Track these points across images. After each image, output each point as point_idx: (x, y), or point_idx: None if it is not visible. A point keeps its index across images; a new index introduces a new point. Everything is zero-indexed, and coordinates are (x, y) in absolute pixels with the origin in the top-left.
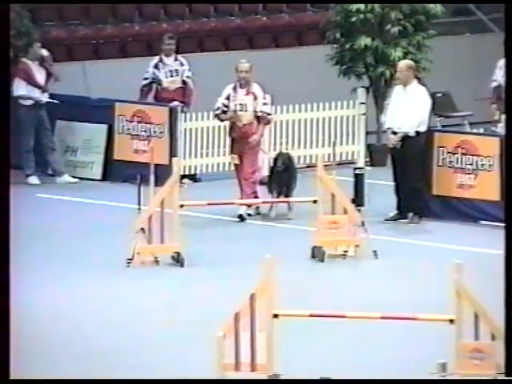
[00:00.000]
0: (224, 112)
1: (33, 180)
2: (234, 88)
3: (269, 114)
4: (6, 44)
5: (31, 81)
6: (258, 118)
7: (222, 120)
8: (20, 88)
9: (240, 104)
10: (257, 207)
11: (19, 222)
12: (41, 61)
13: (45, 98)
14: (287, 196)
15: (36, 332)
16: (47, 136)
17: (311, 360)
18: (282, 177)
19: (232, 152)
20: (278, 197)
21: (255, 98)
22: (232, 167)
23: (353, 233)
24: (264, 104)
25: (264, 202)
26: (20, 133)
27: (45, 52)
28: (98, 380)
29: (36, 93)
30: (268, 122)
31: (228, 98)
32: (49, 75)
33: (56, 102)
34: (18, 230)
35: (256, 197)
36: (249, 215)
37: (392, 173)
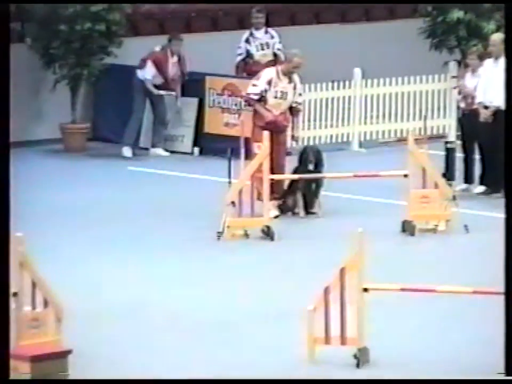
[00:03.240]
0: (262, 97)
1: (127, 152)
2: (277, 74)
3: (300, 104)
4: (6, 44)
5: (160, 71)
6: (290, 109)
7: (251, 105)
8: (147, 71)
9: (282, 91)
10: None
11: (109, 194)
12: (179, 59)
13: (159, 92)
14: (315, 197)
15: (125, 302)
16: (159, 109)
17: (401, 334)
18: (313, 171)
19: (257, 140)
20: (304, 200)
21: (295, 88)
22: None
23: (444, 207)
24: (300, 94)
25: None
26: (131, 102)
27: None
28: (99, 380)
29: (159, 80)
30: (298, 113)
31: (269, 83)
32: (183, 75)
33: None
34: (109, 204)
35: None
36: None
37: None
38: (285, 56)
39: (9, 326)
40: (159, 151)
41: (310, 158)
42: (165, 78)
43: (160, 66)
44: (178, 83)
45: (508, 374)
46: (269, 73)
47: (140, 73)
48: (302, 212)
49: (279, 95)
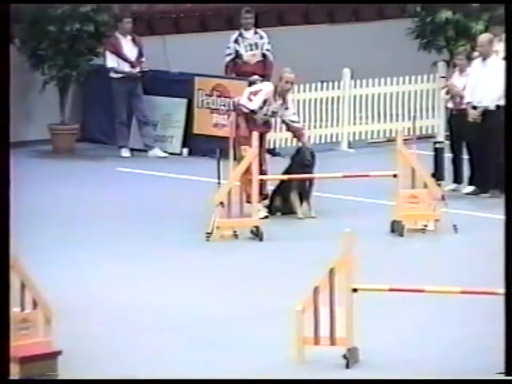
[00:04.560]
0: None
1: (125, 152)
2: (274, 94)
3: (297, 122)
4: (6, 44)
5: (119, 55)
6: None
7: (238, 114)
8: (108, 60)
9: (272, 111)
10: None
11: (97, 195)
12: (134, 38)
13: (132, 71)
14: (308, 197)
15: (115, 302)
16: (138, 110)
17: (390, 334)
18: (308, 171)
19: (242, 143)
20: (300, 198)
21: (286, 109)
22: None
23: (433, 207)
24: (294, 114)
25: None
26: (112, 105)
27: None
28: (99, 380)
29: (126, 67)
30: (300, 134)
31: (264, 102)
32: (141, 54)
33: (140, 75)
34: (98, 205)
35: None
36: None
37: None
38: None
39: (9, 325)
40: (157, 152)
41: (308, 157)
42: (126, 61)
43: (115, 50)
44: (141, 63)
45: (507, 374)
46: (268, 92)
47: (112, 74)
48: (299, 212)
49: (269, 113)
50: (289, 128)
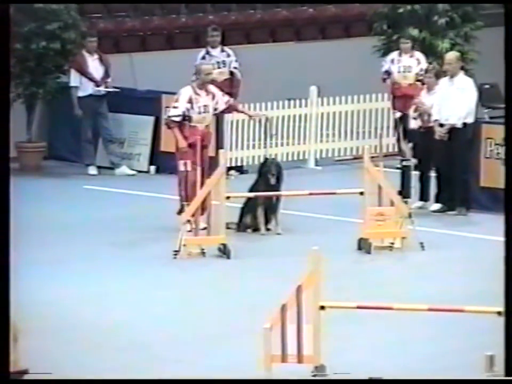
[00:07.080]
0: (186, 117)
1: (92, 170)
2: (194, 90)
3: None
4: (6, 44)
5: (84, 73)
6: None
7: (170, 128)
8: (72, 78)
9: (204, 106)
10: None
11: (64, 213)
12: (101, 57)
13: (95, 90)
14: (274, 212)
15: (83, 320)
16: (104, 128)
17: (358, 352)
18: (275, 185)
19: (187, 158)
20: (266, 214)
21: (213, 97)
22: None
23: (400, 225)
24: (227, 101)
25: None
26: (78, 123)
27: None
28: (98, 380)
29: (90, 86)
30: (235, 107)
31: (190, 102)
32: (107, 73)
33: (103, 93)
34: (64, 222)
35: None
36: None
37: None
38: (196, 70)
39: (9, 326)
40: (125, 169)
41: (272, 172)
42: (92, 80)
43: (80, 69)
44: (107, 82)
45: (507, 374)
46: (186, 92)
47: (76, 91)
48: (263, 228)
49: (202, 110)
50: (226, 109)
